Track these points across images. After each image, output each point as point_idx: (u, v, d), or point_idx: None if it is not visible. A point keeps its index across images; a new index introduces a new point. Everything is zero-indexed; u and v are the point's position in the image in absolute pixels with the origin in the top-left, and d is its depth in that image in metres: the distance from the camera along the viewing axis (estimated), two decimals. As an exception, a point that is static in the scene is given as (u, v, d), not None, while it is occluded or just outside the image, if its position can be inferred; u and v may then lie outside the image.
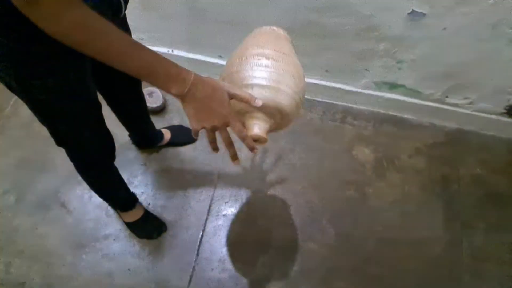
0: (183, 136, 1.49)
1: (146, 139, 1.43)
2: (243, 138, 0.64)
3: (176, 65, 0.58)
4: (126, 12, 0.81)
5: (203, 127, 0.62)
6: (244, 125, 0.67)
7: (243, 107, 0.65)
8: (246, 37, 0.74)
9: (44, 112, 0.76)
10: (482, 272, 1.33)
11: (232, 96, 0.62)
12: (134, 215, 1.29)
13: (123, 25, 0.86)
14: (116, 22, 0.73)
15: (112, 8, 0.69)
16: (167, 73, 0.57)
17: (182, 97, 0.59)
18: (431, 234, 1.39)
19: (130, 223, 1.30)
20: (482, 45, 1.25)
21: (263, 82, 0.63)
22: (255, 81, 0.64)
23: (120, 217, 1.32)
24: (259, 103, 0.62)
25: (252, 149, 0.66)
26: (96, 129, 0.88)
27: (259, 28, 0.74)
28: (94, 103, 0.82)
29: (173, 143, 1.47)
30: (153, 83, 0.57)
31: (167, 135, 1.46)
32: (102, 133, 0.91)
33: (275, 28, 0.74)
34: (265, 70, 0.64)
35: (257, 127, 0.66)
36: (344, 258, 1.33)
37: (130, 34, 0.91)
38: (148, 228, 1.32)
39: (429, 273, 1.32)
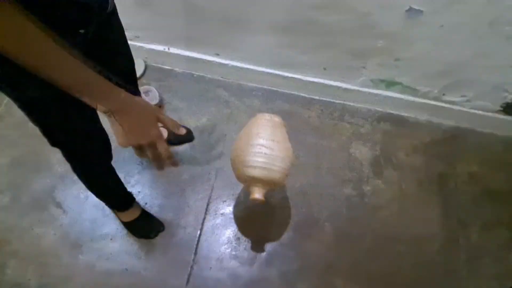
0: (180, 135, 1.48)
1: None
2: (168, 157, 0.70)
3: (108, 83, 0.58)
4: (120, 8, 0.80)
5: (130, 145, 0.64)
6: (247, 188, 0.99)
7: (248, 180, 0.95)
8: (251, 121, 1.02)
9: (34, 111, 0.74)
10: (478, 268, 1.34)
11: (159, 120, 0.66)
12: (131, 215, 1.28)
13: (113, 21, 0.83)
14: (104, 17, 0.71)
15: (97, 1, 0.67)
16: (97, 89, 0.57)
17: (110, 114, 0.60)
18: (428, 231, 1.40)
19: (127, 222, 1.29)
20: (479, 42, 1.25)
21: (262, 165, 0.96)
22: (257, 164, 0.96)
23: (117, 216, 1.31)
24: (182, 131, 0.71)
25: (174, 165, 0.72)
26: (91, 128, 0.87)
27: (261, 115, 1.03)
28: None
29: (170, 142, 1.46)
30: (82, 98, 0.57)
31: (164, 134, 1.44)
32: (97, 132, 0.90)
33: (272, 115, 1.03)
34: (264, 157, 0.96)
35: (257, 193, 0.99)
36: (342, 255, 1.33)
37: (122, 30, 0.89)
38: (146, 227, 1.31)
39: (426, 270, 1.33)
